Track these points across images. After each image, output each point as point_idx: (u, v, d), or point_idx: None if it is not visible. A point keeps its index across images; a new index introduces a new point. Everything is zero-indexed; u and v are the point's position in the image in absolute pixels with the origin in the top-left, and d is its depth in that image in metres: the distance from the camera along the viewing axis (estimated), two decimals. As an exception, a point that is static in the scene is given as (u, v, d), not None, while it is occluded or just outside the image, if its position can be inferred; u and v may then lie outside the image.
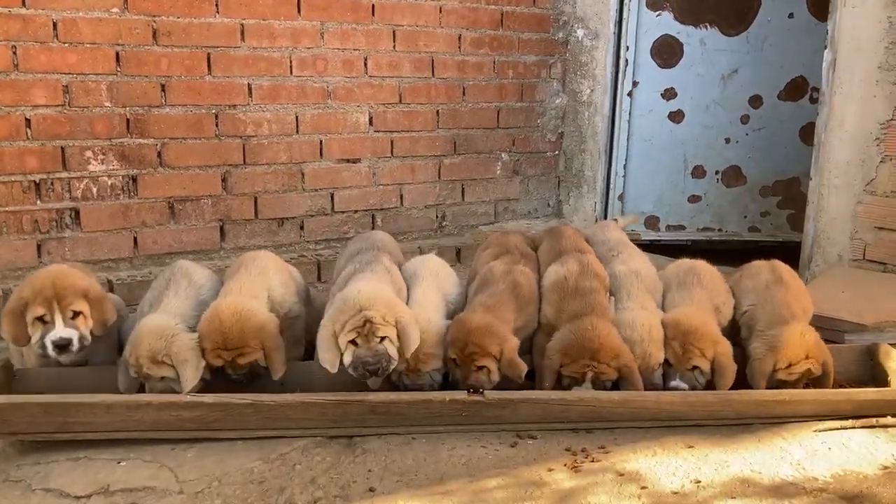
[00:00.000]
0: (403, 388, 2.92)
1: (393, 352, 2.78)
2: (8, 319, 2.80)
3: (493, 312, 3.03)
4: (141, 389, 2.81)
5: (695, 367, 2.98)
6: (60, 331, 2.80)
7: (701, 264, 3.39)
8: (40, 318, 2.79)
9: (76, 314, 2.83)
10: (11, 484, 2.49)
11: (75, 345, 2.83)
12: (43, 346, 2.81)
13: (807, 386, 3.06)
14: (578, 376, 2.90)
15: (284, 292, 3.14)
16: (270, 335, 2.83)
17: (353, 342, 2.77)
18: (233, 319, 2.79)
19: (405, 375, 2.90)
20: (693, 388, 2.98)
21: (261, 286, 3.02)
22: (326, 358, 2.78)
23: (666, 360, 3.02)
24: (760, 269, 3.39)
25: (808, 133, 4.85)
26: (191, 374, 2.73)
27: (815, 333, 3.07)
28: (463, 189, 5.12)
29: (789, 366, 2.98)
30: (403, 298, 3.08)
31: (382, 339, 2.76)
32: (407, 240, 4.86)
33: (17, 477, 2.53)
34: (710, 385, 2.99)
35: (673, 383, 2.99)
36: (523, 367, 2.92)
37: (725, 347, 3.01)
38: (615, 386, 2.93)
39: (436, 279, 3.25)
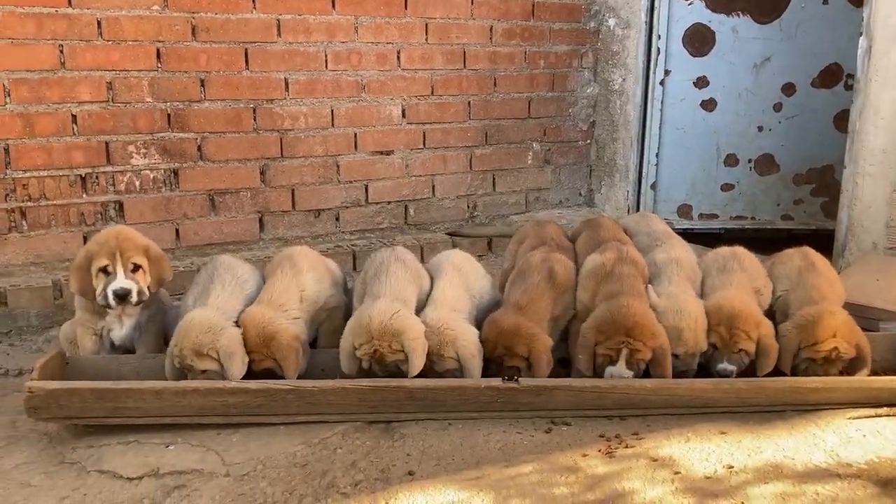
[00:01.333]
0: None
1: (405, 368, 2.89)
2: (75, 273, 2.99)
3: (528, 309, 3.08)
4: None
5: (741, 350, 3.02)
6: (121, 281, 2.95)
7: (740, 250, 3.41)
8: (103, 269, 2.95)
9: (136, 267, 2.99)
10: (67, 466, 2.60)
11: (134, 296, 2.98)
12: (105, 297, 2.95)
13: (842, 373, 3.08)
14: (613, 353, 2.93)
15: (319, 288, 3.23)
16: (279, 346, 2.91)
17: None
18: (251, 327, 2.93)
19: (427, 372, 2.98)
20: (740, 369, 3.03)
21: (293, 289, 3.12)
22: (346, 365, 2.96)
23: (712, 344, 3.06)
24: (792, 256, 3.41)
25: (842, 120, 4.82)
26: (237, 368, 2.84)
27: (846, 315, 3.09)
28: (494, 179, 5.16)
29: (814, 343, 3.01)
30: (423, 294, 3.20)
31: (393, 362, 2.89)
32: (439, 230, 4.92)
33: (72, 459, 2.64)
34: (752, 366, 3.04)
35: (721, 366, 3.04)
36: (544, 372, 2.98)
37: (768, 329, 3.05)
38: (646, 372, 2.97)
39: (458, 275, 3.28)
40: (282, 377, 2.91)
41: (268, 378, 2.90)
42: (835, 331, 3.02)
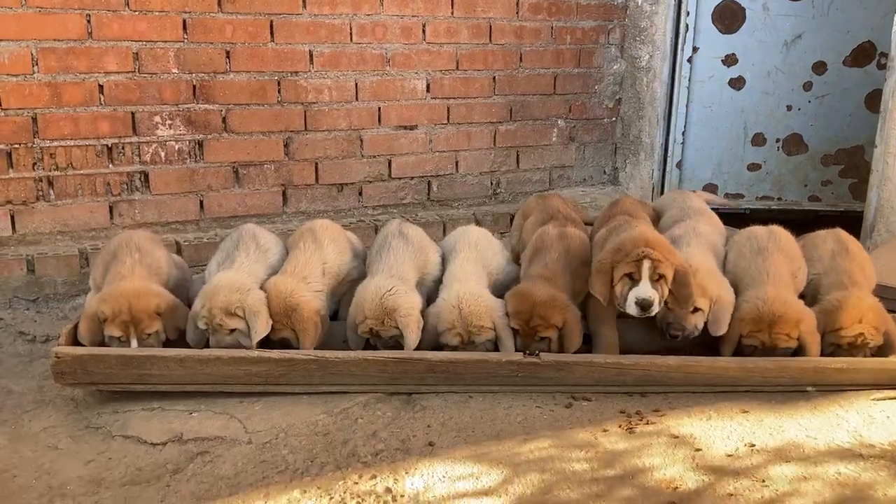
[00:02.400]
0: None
1: (402, 342, 2.94)
2: (87, 324, 2.88)
3: (553, 283, 3.08)
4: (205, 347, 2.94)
5: (784, 348, 2.97)
6: (134, 350, 2.86)
7: (778, 229, 3.36)
8: (118, 339, 2.88)
9: (149, 335, 2.91)
10: (93, 430, 2.65)
11: None
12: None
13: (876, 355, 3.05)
14: (634, 269, 2.91)
15: (340, 261, 3.27)
16: (300, 318, 2.94)
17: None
18: (273, 296, 2.96)
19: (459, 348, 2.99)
20: None
21: (316, 261, 3.15)
22: (351, 338, 3.04)
23: (753, 346, 3.01)
24: (826, 239, 3.36)
25: (874, 100, 4.73)
26: (262, 326, 2.87)
27: (875, 301, 3.05)
28: (518, 156, 5.13)
29: (839, 329, 2.97)
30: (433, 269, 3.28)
31: (391, 337, 2.95)
32: (462, 206, 4.91)
33: (97, 424, 2.69)
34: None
35: None
36: (578, 343, 2.99)
37: (808, 325, 2.97)
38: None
39: (475, 251, 3.29)
40: (296, 349, 2.93)
41: (283, 348, 2.92)
42: (861, 316, 2.98)
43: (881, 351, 3.03)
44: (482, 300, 3.00)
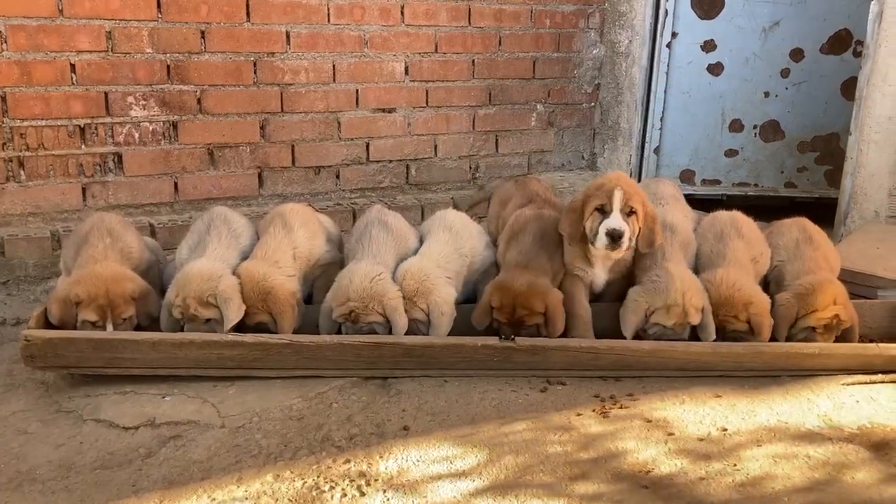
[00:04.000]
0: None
1: (380, 330, 2.92)
2: (59, 306, 2.84)
3: (529, 269, 3.08)
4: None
5: (733, 330, 3.01)
6: (111, 333, 2.83)
7: (738, 215, 3.39)
8: (92, 323, 2.85)
9: (124, 320, 2.90)
10: (64, 414, 2.62)
11: None
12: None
13: (837, 340, 3.09)
14: (606, 200, 2.97)
15: (311, 245, 3.25)
16: (276, 300, 2.93)
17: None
18: (246, 281, 2.94)
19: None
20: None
21: (286, 246, 3.13)
22: (323, 325, 3.00)
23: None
24: (790, 227, 3.40)
25: (850, 88, 4.76)
26: (234, 313, 2.85)
27: (841, 286, 3.10)
28: (497, 140, 5.12)
29: (815, 311, 3.01)
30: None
31: (369, 323, 2.92)
32: (440, 190, 4.89)
33: (68, 408, 2.66)
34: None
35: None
36: (561, 327, 2.99)
37: (759, 307, 3.01)
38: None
39: (449, 234, 3.28)
40: (274, 333, 2.91)
41: (260, 333, 2.90)
42: (834, 298, 3.03)
43: (843, 335, 3.07)
44: (425, 279, 3.01)
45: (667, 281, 2.98)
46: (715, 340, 2.97)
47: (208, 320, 2.88)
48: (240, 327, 2.91)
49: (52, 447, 2.43)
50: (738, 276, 3.08)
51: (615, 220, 2.94)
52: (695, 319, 2.95)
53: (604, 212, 2.97)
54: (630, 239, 2.97)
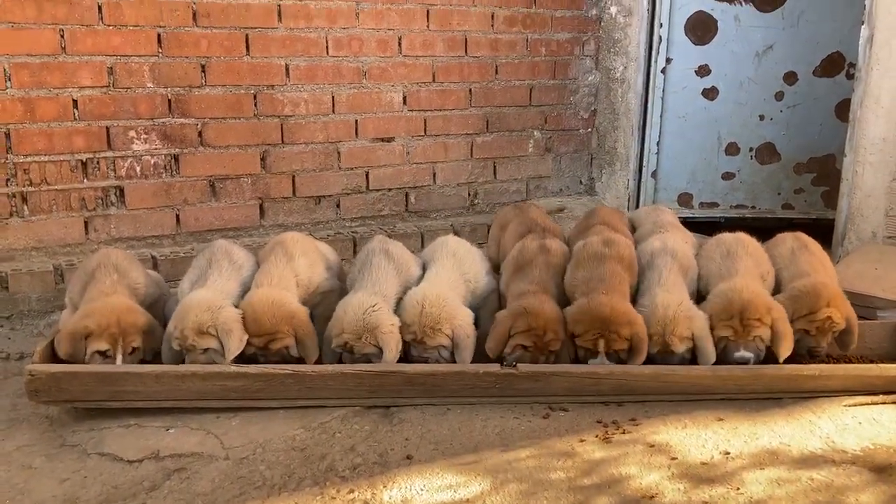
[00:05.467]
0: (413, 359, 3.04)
1: (375, 361, 2.94)
2: (68, 340, 2.84)
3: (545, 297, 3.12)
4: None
5: (756, 337, 3.00)
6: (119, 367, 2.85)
7: (744, 235, 3.41)
8: (102, 353, 2.85)
9: (134, 350, 2.92)
10: (68, 448, 2.63)
11: None
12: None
13: (833, 360, 3.10)
14: (591, 345, 2.97)
15: (311, 273, 3.26)
16: (302, 323, 2.96)
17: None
18: (265, 307, 2.93)
19: (413, 346, 3.00)
20: (758, 357, 3.01)
21: (289, 274, 3.15)
22: (327, 352, 3.03)
23: (724, 337, 3.02)
24: (785, 239, 3.46)
25: (844, 109, 4.81)
26: (234, 344, 2.85)
27: (837, 287, 3.13)
28: (495, 167, 5.16)
29: (809, 313, 3.03)
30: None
31: (363, 354, 2.95)
32: (439, 217, 4.93)
33: (73, 442, 2.67)
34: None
35: (738, 354, 3.00)
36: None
37: (780, 312, 3.01)
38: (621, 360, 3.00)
39: (452, 259, 3.30)
40: (293, 360, 2.92)
41: (282, 361, 2.92)
42: (829, 300, 3.06)
43: (842, 337, 3.10)
44: (446, 305, 3.01)
45: (651, 310, 3.02)
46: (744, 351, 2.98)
47: (206, 350, 2.88)
48: (249, 359, 2.93)
49: (57, 482, 2.43)
50: (756, 284, 3.11)
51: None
52: (678, 348, 2.97)
53: (590, 351, 3.00)
54: None
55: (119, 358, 2.87)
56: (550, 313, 3.01)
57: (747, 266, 3.21)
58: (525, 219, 3.66)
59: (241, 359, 2.91)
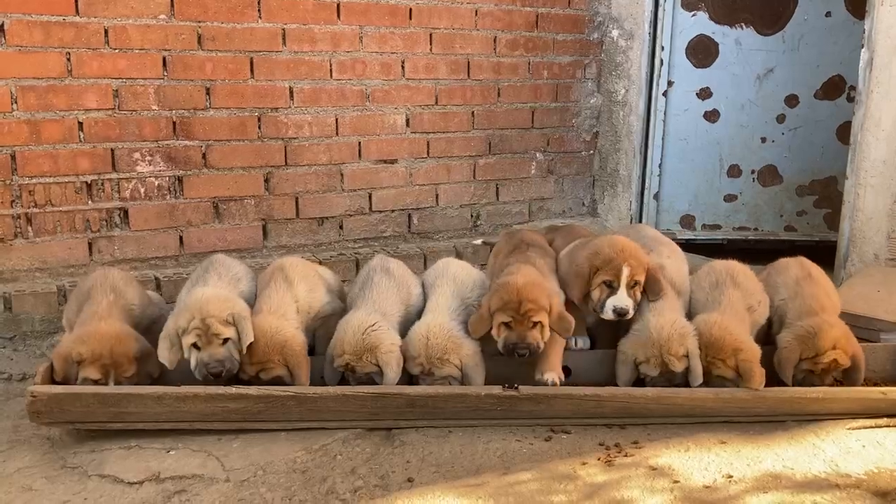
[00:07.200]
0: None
1: (378, 380, 2.94)
2: (60, 363, 2.83)
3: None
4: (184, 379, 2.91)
5: (718, 376, 3.00)
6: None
7: (734, 264, 3.40)
8: (94, 381, 2.84)
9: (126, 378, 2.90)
10: (69, 470, 2.62)
11: None
12: None
13: (839, 383, 3.09)
14: (613, 278, 3.07)
15: (311, 297, 3.26)
16: (293, 352, 2.94)
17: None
18: (258, 335, 2.92)
19: (421, 378, 3.00)
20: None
21: (289, 300, 3.15)
22: (327, 373, 3.03)
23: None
24: (789, 266, 3.44)
25: (845, 132, 4.83)
26: (251, 331, 2.88)
27: (843, 326, 3.11)
28: (497, 189, 5.18)
29: (815, 356, 3.02)
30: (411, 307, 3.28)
31: (366, 374, 2.95)
32: (442, 239, 4.94)
33: (73, 463, 2.66)
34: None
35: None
36: (571, 322, 3.04)
37: (749, 353, 2.98)
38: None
39: (453, 284, 3.29)
40: (289, 385, 2.91)
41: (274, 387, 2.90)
42: (835, 342, 3.04)
43: (847, 373, 3.08)
44: (451, 335, 3.00)
45: (645, 332, 3.03)
46: (700, 385, 2.98)
47: (226, 340, 2.86)
48: (246, 382, 2.92)
49: (57, 504, 2.43)
50: (731, 322, 3.08)
51: (622, 299, 3.06)
52: (678, 367, 2.96)
53: (611, 286, 3.06)
54: (633, 309, 3.08)
55: (111, 384, 2.85)
56: (526, 283, 2.99)
57: (732, 299, 3.19)
58: (514, 240, 3.66)
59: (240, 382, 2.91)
